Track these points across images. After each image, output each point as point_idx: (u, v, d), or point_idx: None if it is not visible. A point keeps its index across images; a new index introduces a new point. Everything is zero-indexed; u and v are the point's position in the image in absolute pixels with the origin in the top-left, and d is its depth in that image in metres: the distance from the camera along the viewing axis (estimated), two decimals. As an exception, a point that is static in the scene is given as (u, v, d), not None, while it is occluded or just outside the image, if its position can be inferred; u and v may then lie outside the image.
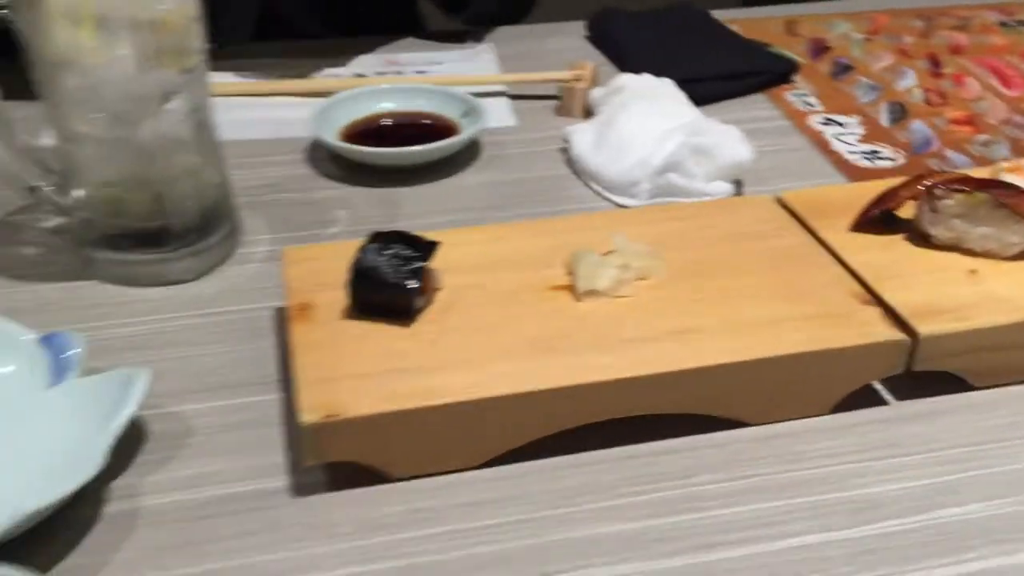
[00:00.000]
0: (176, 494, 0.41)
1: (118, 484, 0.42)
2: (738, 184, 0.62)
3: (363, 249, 0.45)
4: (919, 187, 0.50)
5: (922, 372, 0.45)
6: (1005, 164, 0.51)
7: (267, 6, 0.86)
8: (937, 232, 0.49)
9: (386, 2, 0.96)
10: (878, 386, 0.47)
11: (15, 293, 0.54)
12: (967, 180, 0.48)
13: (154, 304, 0.53)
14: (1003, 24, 0.89)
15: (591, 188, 0.64)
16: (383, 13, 0.95)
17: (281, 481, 0.42)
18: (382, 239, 0.46)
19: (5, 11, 0.48)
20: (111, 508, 0.40)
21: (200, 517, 0.40)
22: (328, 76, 0.79)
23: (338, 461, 0.41)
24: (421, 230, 0.47)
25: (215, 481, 0.42)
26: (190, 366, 0.48)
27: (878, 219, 0.51)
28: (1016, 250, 0.48)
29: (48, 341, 0.45)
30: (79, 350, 0.45)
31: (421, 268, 0.45)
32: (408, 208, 0.62)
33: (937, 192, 0.49)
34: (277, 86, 0.76)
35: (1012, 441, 0.43)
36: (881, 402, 0.46)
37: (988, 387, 0.46)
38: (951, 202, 0.48)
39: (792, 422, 0.45)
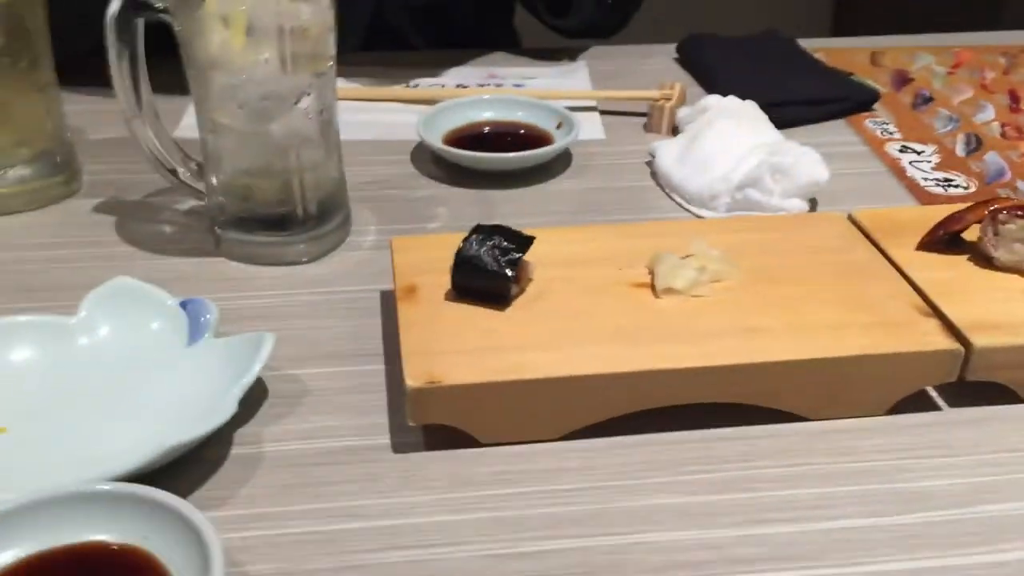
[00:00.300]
0: (293, 443, 0.47)
1: (244, 431, 0.47)
2: (813, 203, 0.66)
3: (467, 239, 0.50)
4: (984, 211, 0.53)
5: (975, 382, 0.49)
6: (1068, 194, 0.54)
7: (377, 18, 0.92)
8: (999, 254, 0.52)
9: (487, 19, 1.02)
10: (932, 393, 0.50)
11: (155, 265, 0.60)
12: (1029, 207, 0.52)
13: (274, 281, 0.59)
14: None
15: (673, 199, 0.69)
16: (483, 29, 1.01)
17: (384, 439, 0.47)
18: (484, 231, 0.51)
19: (166, 14, 0.55)
20: (238, 451, 0.46)
21: (313, 464, 0.46)
22: (433, 86, 0.85)
23: (435, 424, 0.46)
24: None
25: (327, 435, 0.47)
26: (306, 336, 0.54)
27: (944, 240, 0.55)
28: (1073, 275, 0.51)
29: (187, 306, 0.51)
30: (213, 315, 0.51)
31: (518, 259, 0.50)
32: (502, 209, 0.68)
33: (1001, 217, 0.52)
34: (389, 93, 0.82)
35: (1055, 449, 0.47)
36: (934, 407, 0.50)
37: (1038, 401, 0.49)
38: (1013, 227, 0.51)
39: (848, 420, 0.48)
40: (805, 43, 0.93)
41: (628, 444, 0.47)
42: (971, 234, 0.54)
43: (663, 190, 0.70)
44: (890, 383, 0.48)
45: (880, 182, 0.71)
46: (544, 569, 0.41)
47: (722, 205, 0.66)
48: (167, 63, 0.57)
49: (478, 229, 0.51)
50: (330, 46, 0.57)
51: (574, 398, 0.47)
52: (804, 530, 0.42)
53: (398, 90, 0.83)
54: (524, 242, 0.51)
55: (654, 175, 0.71)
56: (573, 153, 0.74)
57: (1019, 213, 0.51)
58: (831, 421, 0.48)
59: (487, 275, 0.50)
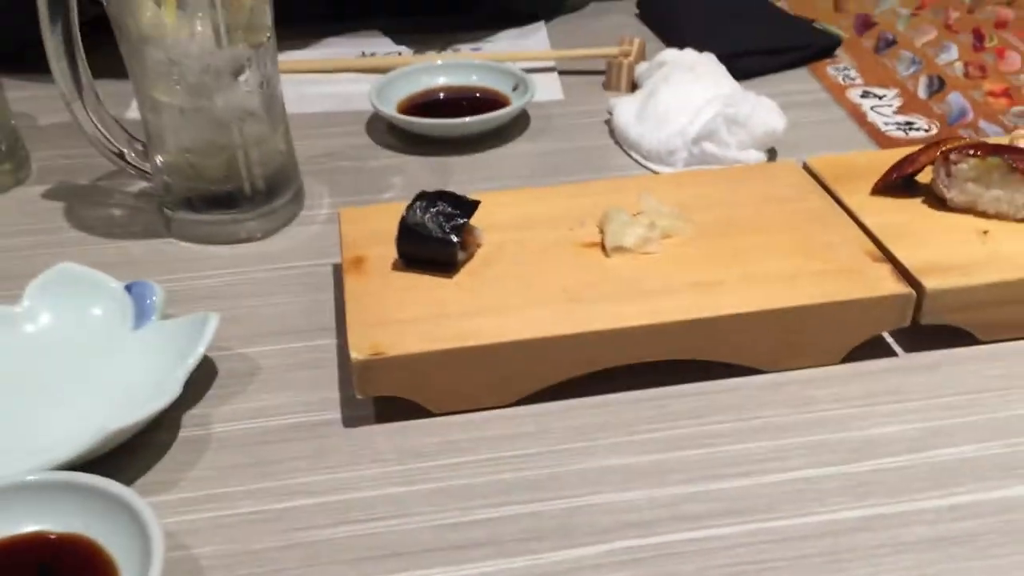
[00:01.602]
0: (242, 423, 0.46)
1: (192, 413, 0.47)
2: (772, 153, 0.65)
3: (410, 207, 0.50)
4: (937, 152, 0.52)
5: (933, 326, 0.48)
6: (1021, 131, 0.53)
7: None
8: (952, 195, 0.52)
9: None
10: (889, 339, 0.50)
11: (105, 249, 0.60)
12: (981, 145, 0.51)
13: (226, 260, 0.58)
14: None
15: (631, 157, 0.68)
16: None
17: (334, 414, 0.47)
18: (428, 198, 0.50)
19: (98, -6, 0.54)
20: (186, 434, 0.46)
21: (262, 443, 0.45)
22: (390, 54, 0.83)
23: (383, 396, 0.46)
24: (470, 194, 0.51)
25: (276, 413, 0.47)
26: (257, 314, 0.53)
27: (898, 184, 0.54)
28: (1027, 212, 0.50)
29: (132, 289, 0.51)
30: (158, 297, 0.50)
31: (463, 224, 0.49)
32: (459, 175, 0.67)
33: (952, 157, 0.51)
34: (342, 63, 0.81)
35: (1008, 391, 0.46)
36: (891, 353, 0.49)
37: (995, 341, 0.49)
38: (965, 166, 0.51)
39: (803, 370, 0.48)
40: (769, -10, 0.91)
41: (582, 406, 0.46)
42: (925, 176, 0.54)
43: (622, 148, 0.69)
44: (844, 330, 0.48)
45: (840, 129, 0.70)
46: (493, 536, 0.40)
47: (680, 160, 0.65)
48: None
49: (421, 196, 0.50)
50: (267, 17, 0.55)
51: (523, 363, 0.46)
52: (756, 483, 0.42)
53: (351, 60, 0.82)
54: (469, 207, 0.50)
55: (612, 133, 0.70)
56: (531, 115, 0.73)
57: (971, 152, 0.50)
58: (786, 372, 0.48)
59: (432, 242, 0.49)
